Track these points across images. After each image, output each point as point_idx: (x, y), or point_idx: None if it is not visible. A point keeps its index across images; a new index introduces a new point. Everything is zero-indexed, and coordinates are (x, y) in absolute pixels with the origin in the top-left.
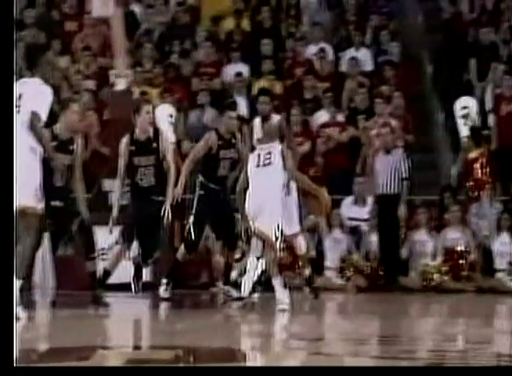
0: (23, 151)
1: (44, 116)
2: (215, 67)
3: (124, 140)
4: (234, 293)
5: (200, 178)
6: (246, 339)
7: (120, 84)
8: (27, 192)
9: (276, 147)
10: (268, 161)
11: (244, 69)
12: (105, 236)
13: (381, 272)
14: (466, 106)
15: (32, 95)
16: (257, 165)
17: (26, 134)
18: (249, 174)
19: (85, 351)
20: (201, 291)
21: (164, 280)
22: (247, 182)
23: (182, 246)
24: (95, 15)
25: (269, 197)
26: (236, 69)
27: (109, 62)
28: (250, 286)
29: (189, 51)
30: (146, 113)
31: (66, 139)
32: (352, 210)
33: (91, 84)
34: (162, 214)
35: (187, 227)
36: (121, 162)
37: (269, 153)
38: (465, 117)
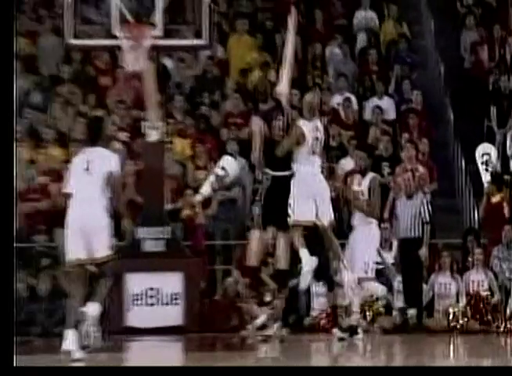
0: (99, 213)
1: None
2: (244, 117)
3: None
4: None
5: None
6: None
7: (153, 136)
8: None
9: None
10: None
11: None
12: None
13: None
14: (486, 152)
15: (103, 162)
16: None
17: (98, 188)
18: None
19: None
20: (232, 334)
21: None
22: None
23: None
24: (128, 69)
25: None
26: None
27: (142, 114)
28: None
29: (218, 102)
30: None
31: None
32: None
33: (124, 135)
34: None
35: None
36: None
37: None
38: (486, 163)
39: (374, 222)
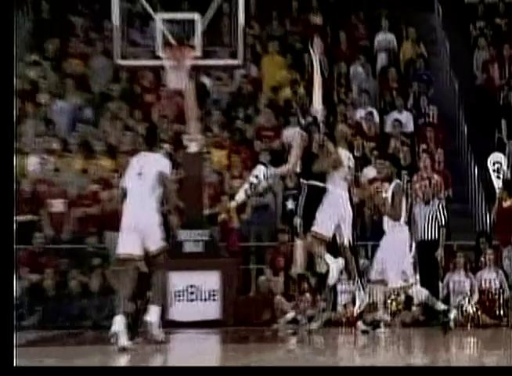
0: (150, 212)
1: (167, 171)
2: (275, 130)
3: None
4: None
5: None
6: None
7: (193, 147)
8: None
9: None
10: None
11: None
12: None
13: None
14: (497, 161)
15: (154, 165)
16: None
17: (148, 190)
18: None
19: None
20: (264, 328)
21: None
22: None
23: None
24: (171, 87)
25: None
26: (293, 131)
27: (182, 127)
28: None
29: (251, 116)
30: None
31: None
32: None
33: (167, 147)
34: None
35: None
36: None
37: None
38: (497, 170)
39: (404, 225)
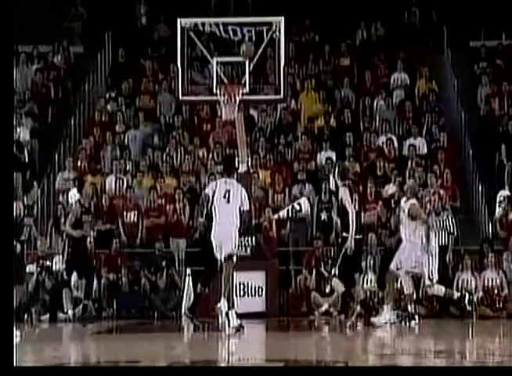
0: (232, 225)
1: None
2: (311, 154)
3: None
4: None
5: None
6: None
7: (242, 168)
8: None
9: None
10: None
11: (332, 154)
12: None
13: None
14: (503, 195)
15: (237, 193)
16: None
17: (234, 213)
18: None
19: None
20: (302, 318)
21: None
22: None
23: None
24: (224, 118)
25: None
26: (326, 155)
27: (234, 151)
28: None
29: (291, 142)
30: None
31: None
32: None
33: (220, 168)
34: None
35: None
36: None
37: None
38: (500, 202)
39: (423, 231)
